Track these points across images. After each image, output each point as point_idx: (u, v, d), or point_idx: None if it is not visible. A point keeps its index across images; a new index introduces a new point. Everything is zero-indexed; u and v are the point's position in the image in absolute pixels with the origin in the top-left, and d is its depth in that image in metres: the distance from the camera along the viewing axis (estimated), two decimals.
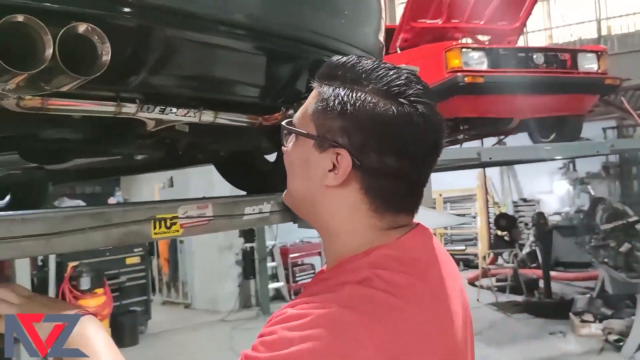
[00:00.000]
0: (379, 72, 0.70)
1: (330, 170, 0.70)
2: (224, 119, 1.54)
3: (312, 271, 8.28)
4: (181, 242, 7.59)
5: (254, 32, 1.32)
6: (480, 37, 4.95)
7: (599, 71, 4.15)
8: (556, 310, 5.95)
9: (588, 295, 5.91)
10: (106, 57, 0.96)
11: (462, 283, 0.81)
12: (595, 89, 4.21)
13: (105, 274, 5.68)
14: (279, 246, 7.73)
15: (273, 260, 7.57)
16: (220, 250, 7.16)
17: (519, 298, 6.72)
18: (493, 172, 10.07)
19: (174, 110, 1.41)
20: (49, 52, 0.89)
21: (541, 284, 6.70)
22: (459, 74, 3.68)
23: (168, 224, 1.50)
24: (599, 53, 4.19)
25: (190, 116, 1.45)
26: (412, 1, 4.29)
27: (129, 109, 1.31)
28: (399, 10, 10.12)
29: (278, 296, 7.70)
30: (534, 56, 3.92)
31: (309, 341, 0.58)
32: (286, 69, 1.48)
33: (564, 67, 4.01)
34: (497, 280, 7.44)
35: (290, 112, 1.61)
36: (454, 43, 3.99)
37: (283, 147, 0.79)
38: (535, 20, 9.96)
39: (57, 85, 0.99)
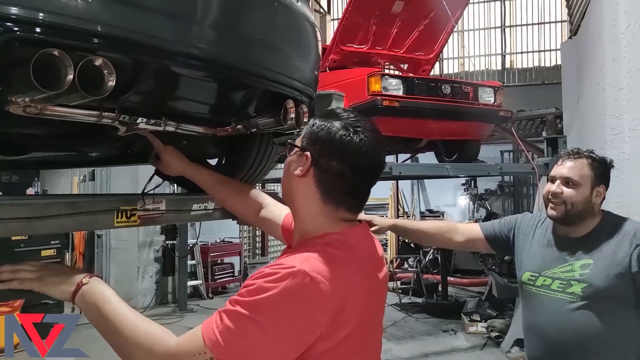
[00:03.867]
0: (345, 113, 1.11)
1: (301, 167, 1.09)
2: (184, 129, 1.85)
3: (231, 270, 8.49)
4: (99, 236, 7.52)
5: (214, 65, 1.63)
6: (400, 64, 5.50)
7: (495, 104, 4.82)
8: (450, 311, 6.63)
9: (477, 298, 6.64)
10: (111, 83, 1.26)
11: (383, 263, 1.20)
12: (491, 118, 4.87)
13: None
14: (200, 245, 7.88)
15: (193, 258, 7.70)
16: (139, 246, 7.20)
17: (420, 300, 7.38)
18: (405, 185, 10.83)
19: (144, 120, 1.70)
20: (70, 77, 1.18)
21: (440, 287, 7.40)
22: (378, 97, 4.17)
23: (128, 215, 1.79)
24: (496, 88, 4.87)
25: (157, 125, 1.75)
26: (343, 26, 4.73)
27: (109, 117, 1.59)
28: (329, 27, 10.62)
29: (195, 294, 7.84)
30: (443, 87, 4.50)
31: (277, 288, 0.91)
32: (239, 94, 1.82)
33: (467, 98, 4.63)
34: (402, 284, 8.08)
35: (239, 127, 1.95)
36: (376, 70, 4.48)
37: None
38: (450, 48, 10.88)
39: (69, 100, 1.28)
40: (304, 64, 1.98)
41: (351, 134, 1.06)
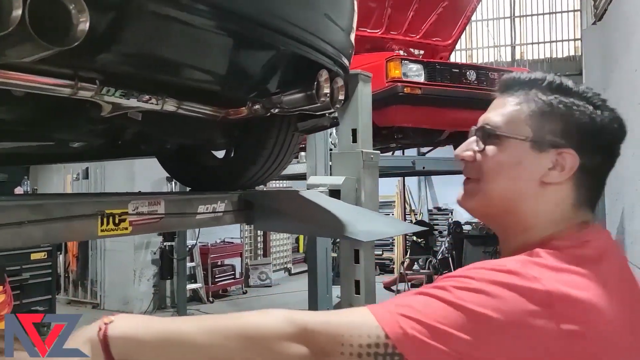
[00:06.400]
0: (570, 84, 0.78)
1: (551, 169, 0.75)
2: (188, 108, 1.44)
3: (232, 272, 8.08)
4: None
5: (231, 15, 1.21)
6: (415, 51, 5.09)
7: None
8: None
9: None
10: (83, 27, 0.85)
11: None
12: None
13: (6, 269, 5.18)
14: (200, 246, 7.46)
15: (192, 260, 7.29)
16: (136, 248, 6.79)
17: None
18: (411, 181, 10.43)
19: (137, 95, 1.29)
20: (17, 13, 0.77)
21: None
22: (398, 84, 3.74)
23: (117, 221, 1.38)
24: None
25: (152, 103, 1.34)
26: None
27: (88, 89, 1.17)
28: None
29: (195, 297, 7.43)
30: (467, 73, 4.08)
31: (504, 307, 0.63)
32: (259, 59, 1.39)
33: (493, 85, 4.20)
34: (412, 286, 7.69)
35: (257, 107, 1.53)
36: (395, 53, 4.06)
37: (474, 153, 0.82)
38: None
39: (21, 54, 0.86)
40: (340, 22, 1.55)
41: (611, 116, 0.77)
